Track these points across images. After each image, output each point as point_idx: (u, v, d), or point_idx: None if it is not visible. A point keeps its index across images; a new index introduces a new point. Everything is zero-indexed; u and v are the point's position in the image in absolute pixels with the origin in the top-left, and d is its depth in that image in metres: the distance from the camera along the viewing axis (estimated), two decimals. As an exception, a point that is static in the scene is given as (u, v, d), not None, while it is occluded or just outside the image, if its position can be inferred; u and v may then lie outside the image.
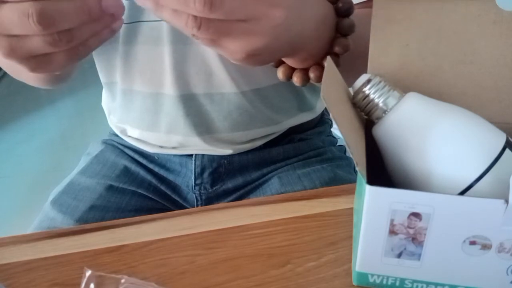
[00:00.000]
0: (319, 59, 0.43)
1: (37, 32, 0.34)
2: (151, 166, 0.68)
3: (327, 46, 0.43)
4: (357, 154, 0.31)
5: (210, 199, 0.67)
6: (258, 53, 0.36)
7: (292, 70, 0.45)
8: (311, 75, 0.43)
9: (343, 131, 0.31)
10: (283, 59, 0.44)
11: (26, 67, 0.37)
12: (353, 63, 0.43)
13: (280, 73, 0.45)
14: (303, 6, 0.38)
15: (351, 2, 0.43)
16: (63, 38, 0.34)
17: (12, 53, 0.36)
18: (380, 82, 0.35)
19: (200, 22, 0.33)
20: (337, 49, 0.43)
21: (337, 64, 0.43)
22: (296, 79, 0.44)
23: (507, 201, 0.30)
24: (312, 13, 0.40)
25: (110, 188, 0.64)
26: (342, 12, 0.43)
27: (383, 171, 0.36)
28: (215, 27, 0.33)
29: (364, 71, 0.39)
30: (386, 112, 0.35)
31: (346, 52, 0.43)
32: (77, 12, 0.34)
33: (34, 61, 0.37)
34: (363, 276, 0.36)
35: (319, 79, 0.43)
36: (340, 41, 0.43)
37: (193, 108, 0.60)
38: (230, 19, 0.33)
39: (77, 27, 0.35)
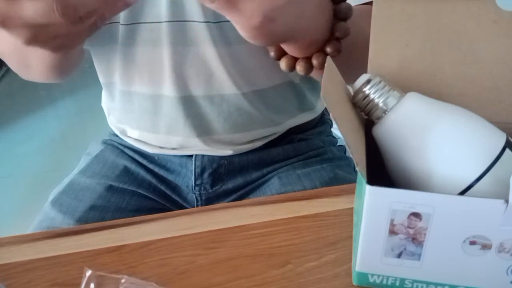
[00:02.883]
0: (320, 45, 0.44)
1: (62, 22, 0.34)
2: (151, 166, 0.68)
3: (327, 32, 0.43)
4: (357, 154, 0.31)
5: (210, 200, 0.67)
6: (274, 15, 0.36)
7: (294, 60, 0.45)
8: (314, 62, 0.44)
9: (343, 131, 0.31)
10: (286, 49, 0.44)
11: (49, 49, 0.37)
12: (350, 52, 0.43)
13: (283, 64, 0.45)
14: None
15: None
16: (85, 19, 0.35)
17: (35, 41, 0.36)
18: (380, 82, 0.35)
19: None
20: (337, 34, 0.43)
21: (339, 50, 0.43)
22: (299, 68, 0.44)
23: (507, 201, 0.30)
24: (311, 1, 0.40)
25: (110, 188, 0.64)
26: None
27: (383, 171, 0.36)
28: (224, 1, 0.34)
29: (364, 64, 0.39)
30: (386, 112, 0.35)
31: (347, 36, 0.43)
32: None
33: (56, 41, 0.37)
34: (363, 276, 0.36)
35: (322, 65, 0.43)
36: (340, 25, 0.43)
37: (193, 110, 0.60)
38: None
39: (97, 7, 0.35)
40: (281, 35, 0.39)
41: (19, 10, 0.34)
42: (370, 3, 0.53)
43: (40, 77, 0.59)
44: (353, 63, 0.39)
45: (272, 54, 0.45)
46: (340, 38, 0.43)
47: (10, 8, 0.34)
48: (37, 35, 0.35)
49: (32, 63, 0.55)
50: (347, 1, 0.43)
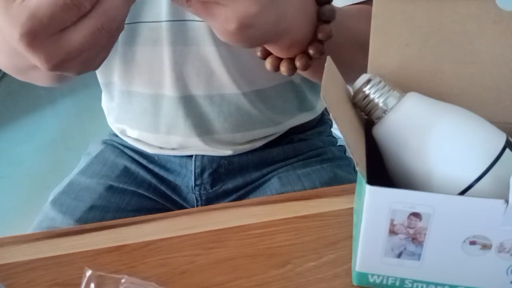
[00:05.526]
0: (303, 47, 0.44)
1: (108, 37, 0.34)
2: (151, 166, 0.68)
3: (310, 33, 0.43)
4: (357, 154, 0.31)
5: (210, 200, 0.67)
6: (250, 23, 0.36)
7: (279, 60, 0.45)
8: (297, 63, 0.44)
9: (343, 131, 0.31)
10: (269, 49, 0.44)
11: (77, 74, 0.37)
12: (337, 52, 0.43)
13: (268, 63, 0.45)
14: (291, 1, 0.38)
15: None
16: (120, 28, 0.34)
17: (85, 66, 0.35)
18: (380, 82, 0.35)
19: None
20: (320, 35, 0.43)
21: (322, 52, 0.43)
22: (283, 69, 0.45)
23: (507, 201, 0.30)
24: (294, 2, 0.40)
25: (110, 188, 0.64)
26: (322, 0, 0.43)
27: (383, 171, 0.36)
28: (200, 5, 0.34)
29: (354, 64, 0.39)
30: (386, 112, 0.35)
31: (330, 38, 0.43)
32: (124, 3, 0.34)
33: (100, 56, 0.36)
34: (363, 276, 0.36)
35: (305, 67, 0.44)
36: (323, 27, 0.43)
37: (193, 110, 0.60)
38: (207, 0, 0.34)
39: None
40: (260, 39, 0.39)
41: (65, 45, 0.33)
42: (365, 2, 0.53)
43: (40, 83, 0.59)
44: (341, 63, 0.39)
45: (258, 54, 0.46)
46: (323, 40, 0.43)
47: (56, 46, 0.33)
48: (87, 60, 0.35)
49: (29, 74, 0.54)
50: (332, 3, 0.44)
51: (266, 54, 0.45)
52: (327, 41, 0.43)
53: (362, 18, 0.50)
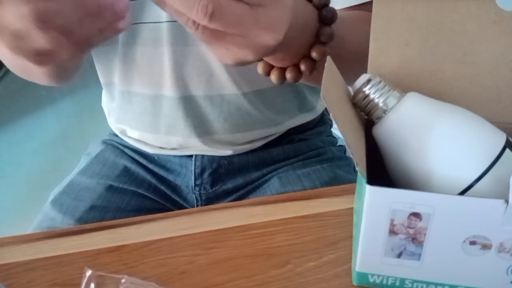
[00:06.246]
0: (296, 61, 0.44)
1: (35, 31, 0.34)
2: (151, 166, 0.68)
3: (305, 50, 0.44)
4: (357, 154, 0.31)
5: (210, 200, 0.67)
6: (245, 64, 0.38)
7: (270, 67, 0.45)
8: (288, 75, 0.44)
9: (343, 131, 0.31)
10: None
11: (32, 62, 0.37)
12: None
13: (260, 67, 0.46)
14: (295, 23, 0.38)
15: (334, 11, 0.44)
16: (62, 35, 0.34)
17: (17, 50, 0.36)
18: (380, 82, 0.35)
19: (198, 26, 0.34)
20: (314, 54, 0.43)
21: (312, 69, 0.44)
22: (273, 77, 0.45)
23: (507, 201, 0.30)
24: (297, 22, 0.40)
25: (110, 188, 0.64)
26: (325, 19, 0.43)
27: (383, 171, 0.36)
28: (211, 33, 0.35)
29: (346, 71, 0.39)
30: (386, 112, 0.35)
31: (323, 58, 0.43)
32: (73, 9, 0.34)
33: (38, 57, 0.37)
34: (363, 276, 0.36)
35: (294, 80, 0.44)
36: (318, 47, 0.43)
37: (193, 110, 0.60)
38: (226, 31, 0.35)
39: (76, 24, 0.35)
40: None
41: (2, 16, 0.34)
42: (368, 4, 0.53)
43: (41, 82, 0.59)
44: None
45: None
46: (315, 60, 0.44)
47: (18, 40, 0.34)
48: (18, 44, 0.35)
49: (32, 72, 0.55)
50: (332, 26, 0.44)
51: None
52: (321, 59, 0.43)
53: (362, 29, 0.50)
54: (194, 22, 0.34)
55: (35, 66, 0.38)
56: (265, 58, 0.45)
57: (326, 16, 0.43)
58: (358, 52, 0.46)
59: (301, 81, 0.48)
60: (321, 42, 0.43)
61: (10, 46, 0.35)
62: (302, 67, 0.43)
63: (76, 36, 0.35)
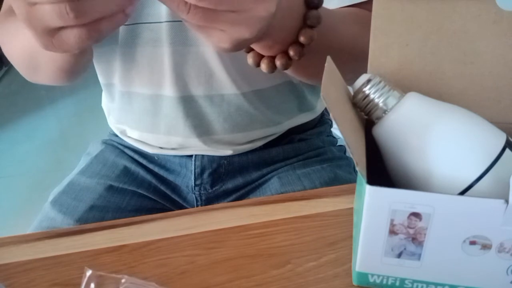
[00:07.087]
0: (284, 47, 0.44)
1: (75, 25, 0.34)
2: (151, 166, 0.68)
3: (293, 35, 0.44)
4: (357, 154, 0.31)
5: (210, 200, 0.67)
6: (243, 43, 0.38)
7: (260, 57, 0.45)
8: (277, 62, 0.44)
9: (343, 131, 0.31)
10: (251, 46, 0.45)
11: (41, 42, 0.37)
12: (324, 54, 0.44)
13: (250, 58, 0.46)
14: (280, 5, 0.39)
15: None
16: (73, 10, 0.34)
17: (28, 21, 0.36)
18: (380, 82, 0.35)
19: (189, 7, 0.34)
20: (302, 39, 0.43)
21: (301, 54, 0.44)
22: (263, 66, 0.45)
23: (507, 201, 0.30)
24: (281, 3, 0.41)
25: (110, 188, 0.64)
26: (312, 4, 0.43)
27: (383, 171, 0.36)
28: (203, 14, 0.35)
29: (338, 65, 0.39)
30: (386, 112, 0.35)
31: (311, 42, 0.44)
32: None
33: (48, 36, 0.37)
34: (363, 276, 0.36)
35: (284, 67, 0.44)
36: (306, 31, 0.43)
37: (193, 110, 0.60)
38: (218, 9, 0.35)
39: (87, 1, 0.35)
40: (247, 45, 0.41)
41: (38, 13, 0.34)
42: (364, 3, 0.53)
43: (48, 80, 0.58)
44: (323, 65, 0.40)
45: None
46: (304, 44, 0.44)
47: (30, 9, 0.34)
48: (30, 15, 0.35)
49: (42, 65, 0.54)
50: (319, 9, 0.44)
51: (249, 49, 0.46)
52: (310, 44, 0.44)
53: (356, 23, 0.50)
54: (186, 3, 0.34)
55: (53, 60, 0.37)
56: (254, 47, 0.45)
57: (312, 0, 0.43)
58: (348, 42, 0.46)
59: (291, 72, 0.48)
60: (309, 26, 0.43)
61: (22, 15, 0.35)
62: (291, 52, 0.44)
63: (88, 16, 0.35)
